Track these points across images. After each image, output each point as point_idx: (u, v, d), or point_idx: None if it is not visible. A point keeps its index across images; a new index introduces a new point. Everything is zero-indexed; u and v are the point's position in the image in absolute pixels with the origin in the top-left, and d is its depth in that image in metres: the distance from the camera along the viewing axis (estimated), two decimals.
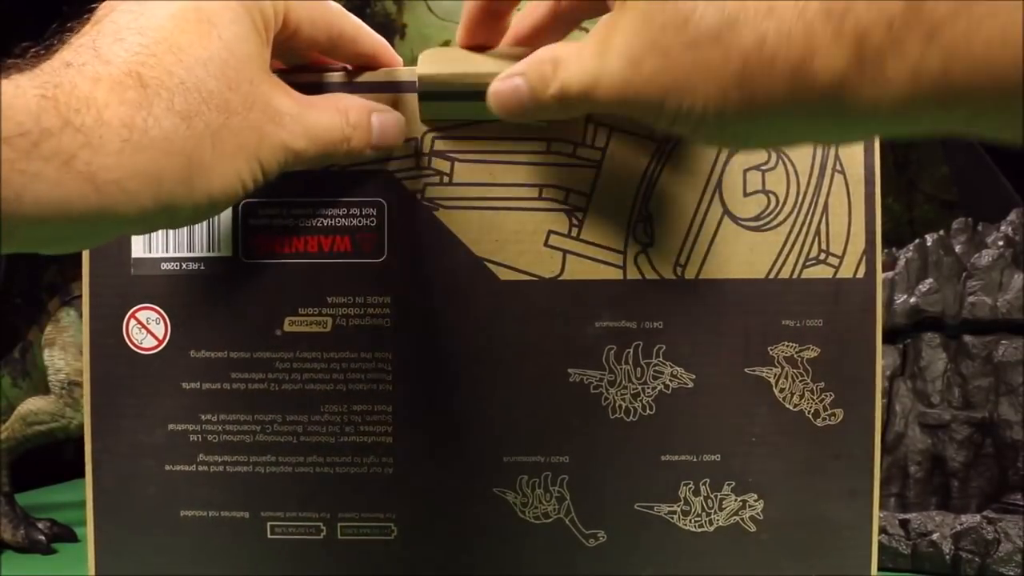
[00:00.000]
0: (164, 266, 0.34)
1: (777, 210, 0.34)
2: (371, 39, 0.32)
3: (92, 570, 0.35)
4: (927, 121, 0.21)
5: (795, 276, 0.34)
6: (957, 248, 0.56)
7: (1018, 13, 0.18)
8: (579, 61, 0.27)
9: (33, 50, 0.25)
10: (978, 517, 0.51)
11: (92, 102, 0.23)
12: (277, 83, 0.28)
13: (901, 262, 0.57)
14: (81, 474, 0.35)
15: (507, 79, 0.29)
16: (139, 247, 0.34)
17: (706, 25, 0.23)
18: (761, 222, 0.34)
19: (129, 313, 0.34)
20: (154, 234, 0.34)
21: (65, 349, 0.58)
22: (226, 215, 0.34)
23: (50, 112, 0.22)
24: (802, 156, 0.34)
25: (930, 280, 0.55)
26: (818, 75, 0.21)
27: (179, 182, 0.24)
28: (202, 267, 0.34)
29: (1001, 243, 0.55)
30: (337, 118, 0.29)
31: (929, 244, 0.57)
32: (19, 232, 0.22)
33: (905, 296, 0.55)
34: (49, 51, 0.24)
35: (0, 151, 0.21)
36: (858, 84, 0.21)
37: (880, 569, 0.37)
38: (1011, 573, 0.49)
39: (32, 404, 0.58)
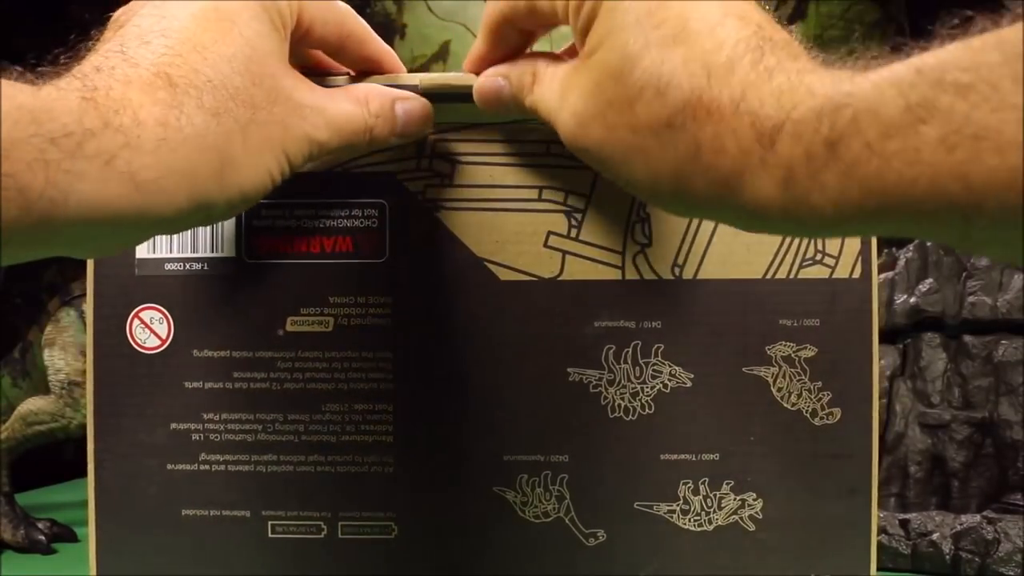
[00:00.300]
0: (168, 266, 0.34)
1: None
2: (377, 43, 0.32)
3: (93, 569, 0.35)
4: (853, 233, 0.22)
5: (792, 276, 0.34)
6: None
7: (923, 152, 0.19)
8: (549, 89, 0.28)
9: (63, 57, 0.25)
10: (978, 517, 0.51)
11: (128, 103, 0.23)
12: (298, 77, 0.28)
13: (901, 262, 0.57)
14: (81, 474, 0.35)
15: (492, 77, 0.30)
16: (143, 248, 0.34)
17: (647, 117, 0.23)
18: None
19: (133, 313, 0.34)
20: None
21: (65, 349, 0.58)
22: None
23: (91, 113, 0.22)
24: None
25: (930, 280, 0.55)
26: (746, 191, 0.22)
27: (212, 178, 0.25)
28: (205, 267, 0.34)
29: None
30: (357, 108, 0.30)
31: (929, 244, 0.57)
32: (62, 234, 0.22)
33: (905, 296, 0.55)
34: (77, 57, 0.25)
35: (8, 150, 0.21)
36: (783, 206, 0.22)
37: (880, 569, 0.37)
38: (1011, 573, 0.49)
39: (32, 404, 0.58)
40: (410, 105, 0.31)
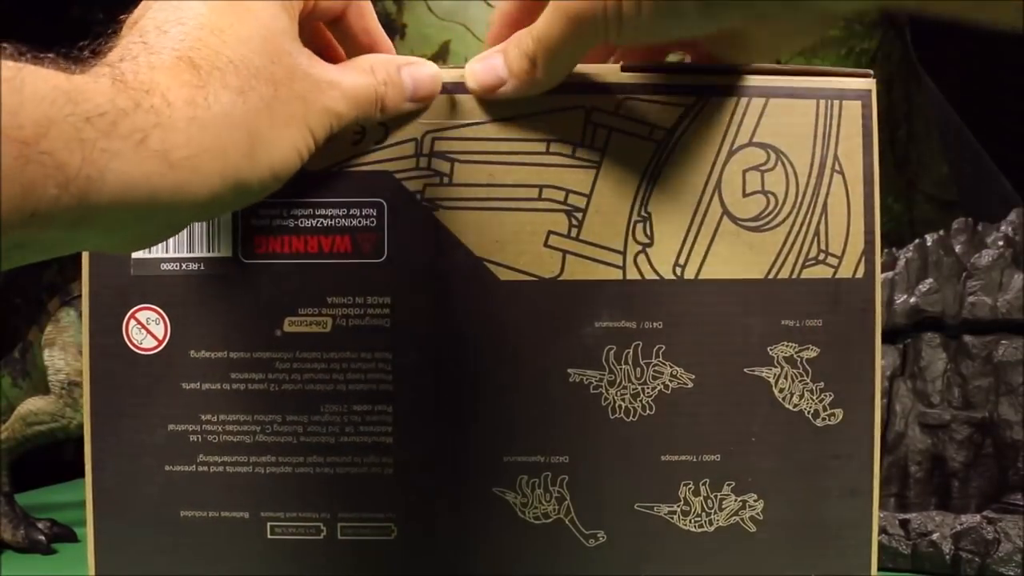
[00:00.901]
0: (164, 266, 0.34)
1: (776, 210, 0.34)
2: (375, 20, 0.33)
3: (92, 570, 0.35)
4: None
5: (794, 276, 0.34)
6: (957, 248, 0.57)
7: None
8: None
9: (87, 50, 0.26)
10: (978, 517, 0.51)
11: (156, 85, 0.24)
12: (310, 54, 0.29)
13: (901, 262, 0.57)
14: (81, 474, 0.35)
15: (485, 58, 0.31)
16: None
17: None
18: (760, 222, 0.34)
19: (129, 313, 0.34)
20: None
21: (65, 349, 0.58)
22: (225, 215, 0.34)
23: (123, 94, 0.23)
24: (801, 157, 0.34)
25: (930, 280, 0.55)
26: None
27: (243, 156, 0.25)
28: (202, 267, 0.34)
29: (1001, 243, 0.55)
30: (367, 78, 0.30)
31: (929, 244, 0.57)
32: (99, 216, 0.23)
33: (905, 296, 0.55)
34: (99, 51, 0.26)
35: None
36: None
37: (880, 569, 0.37)
38: (1011, 573, 0.49)
39: (32, 404, 0.58)
40: (415, 69, 0.32)
